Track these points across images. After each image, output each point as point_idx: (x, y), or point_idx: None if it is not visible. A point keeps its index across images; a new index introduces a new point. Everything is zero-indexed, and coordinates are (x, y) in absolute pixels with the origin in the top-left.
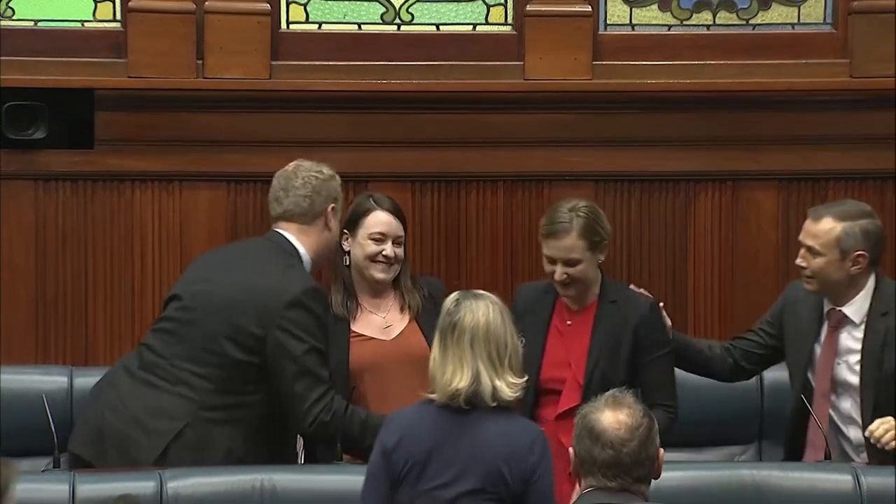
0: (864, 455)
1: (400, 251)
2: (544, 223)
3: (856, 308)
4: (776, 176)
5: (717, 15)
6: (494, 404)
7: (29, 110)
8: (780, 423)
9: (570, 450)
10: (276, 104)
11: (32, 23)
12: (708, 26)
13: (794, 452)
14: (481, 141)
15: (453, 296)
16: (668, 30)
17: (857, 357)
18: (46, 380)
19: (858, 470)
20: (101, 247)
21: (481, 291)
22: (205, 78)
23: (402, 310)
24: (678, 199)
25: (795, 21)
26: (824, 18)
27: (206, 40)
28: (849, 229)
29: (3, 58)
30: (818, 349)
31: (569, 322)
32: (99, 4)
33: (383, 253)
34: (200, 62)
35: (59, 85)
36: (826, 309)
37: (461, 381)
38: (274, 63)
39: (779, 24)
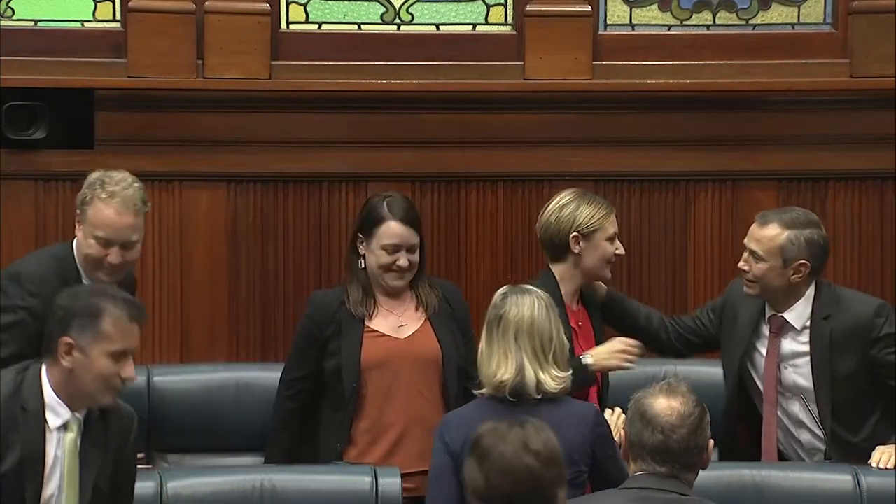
0: (819, 457)
1: (415, 257)
2: (599, 206)
3: (797, 314)
4: (776, 176)
5: (717, 15)
6: (539, 397)
7: (29, 110)
8: None
9: (622, 432)
10: (276, 104)
11: (32, 23)
12: (708, 26)
13: (729, 455)
14: (481, 141)
15: (501, 290)
16: (668, 30)
17: (805, 361)
18: None
19: (858, 470)
20: None
21: (529, 287)
22: (205, 78)
23: (417, 310)
24: (678, 199)
25: (795, 21)
26: (824, 18)
27: (206, 40)
28: (793, 238)
29: (3, 58)
30: (756, 354)
31: (580, 323)
32: (99, 4)
33: (397, 263)
34: (200, 62)
35: (59, 85)
36: (768, 314)
37: (505, 374)
38: (274, 63)
39: (779, 24)
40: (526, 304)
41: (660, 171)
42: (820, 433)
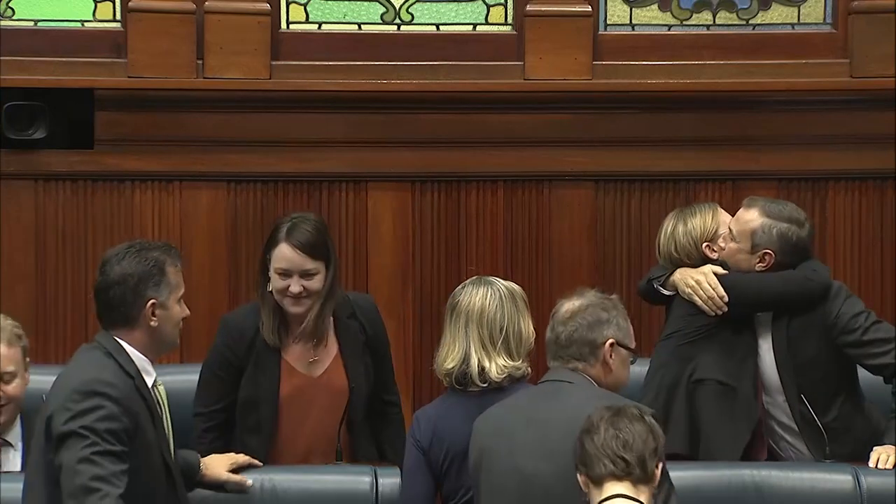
0: (783, 444)
1: (313, 283)
2: (703, 210)
3: None
4: (776, 176)
5: (717, 15)
6: (485, 385)
7: (29, 110)
8: None
9: None
10: (276, 104)
11: (32, 23)
12: (708, 26)
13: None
14: (481, 141)
15: (467, 280)
16: (668, 30)
17: (768, 347)
18: (46, 379)
19: (858, 470)
20: (101, 247)
21: (493, 278)
22: (205, 78)
23: (328, 343)
24: (678, 199)
25: (795, 21)
26: (824, 18)
27: (206, 40)
28: (766, 227)
29: (3, 58)
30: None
31: None
32: (99, 4)
33: (289, 289)
34: (200, 62)
35: (59, 85)
36: None
37: (451, 362)
38: (274, 63)
39: (779, 24)
40: (479, 294)
41: (660, 171)
42: (785, 419)
